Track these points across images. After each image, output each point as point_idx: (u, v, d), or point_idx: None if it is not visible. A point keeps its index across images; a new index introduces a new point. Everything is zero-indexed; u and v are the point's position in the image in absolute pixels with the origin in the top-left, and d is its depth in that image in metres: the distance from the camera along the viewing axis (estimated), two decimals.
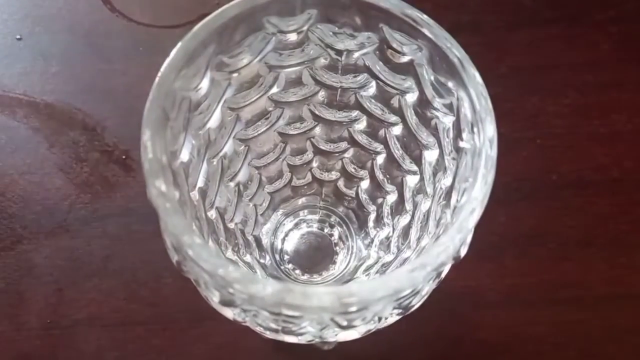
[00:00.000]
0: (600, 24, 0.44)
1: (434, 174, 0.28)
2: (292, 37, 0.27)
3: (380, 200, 0.33)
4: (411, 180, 0.30)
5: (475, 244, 0.25)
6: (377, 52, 0.27)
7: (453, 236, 0.21)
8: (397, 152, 0.30)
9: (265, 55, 0.27)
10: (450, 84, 0.25)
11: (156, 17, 0.44)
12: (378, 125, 0.30)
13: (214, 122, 0.28)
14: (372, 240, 0.33)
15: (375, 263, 0.32)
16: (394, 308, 0.24)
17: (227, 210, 0.31)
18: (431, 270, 0.21)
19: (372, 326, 0.25)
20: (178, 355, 0.35)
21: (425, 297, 0.25)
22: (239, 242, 0.32)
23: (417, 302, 0.25)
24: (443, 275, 0.25)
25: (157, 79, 0.23)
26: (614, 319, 0.36)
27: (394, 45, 0.26)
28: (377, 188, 0.33)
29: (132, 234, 0.38)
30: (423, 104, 0.28)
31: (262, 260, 0.33)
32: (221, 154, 0.29)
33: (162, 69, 0.23)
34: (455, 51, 0.24)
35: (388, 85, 0.28)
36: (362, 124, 0.31)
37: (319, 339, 0.25)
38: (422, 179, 0.29)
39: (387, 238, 0.32)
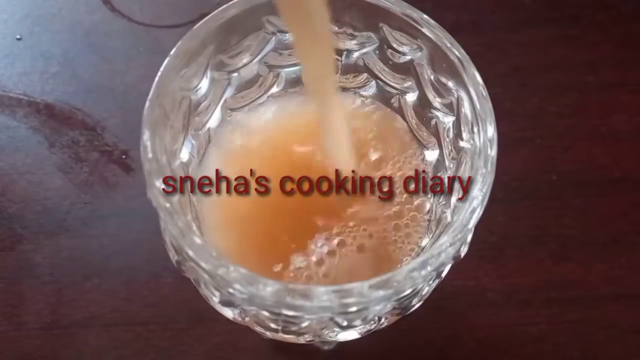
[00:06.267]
0: (600, 24, 0.44)
1: (434, 174, 0.28)
2: None
3: None
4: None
5: (475, 244, 0.25)
6: (377, 51, 0.27)
7: (453, 236, 0.21)
8: None
9: (265, 54, 0.27)
10: (450, 84, 0.25)
11: (156, 17, 0.44)
12: None
13: (214, 122, 0.28)
14: None
15: None
16: (394, 308, 0.24)
17: None
18: (431, 270, 0.21)
19: (372, 326, 0.25)
20: (178, 355, 0.35)
21: (426, 297, 0.25)
22: None
23: (417, 302, 0.25)
24: (443, 275, 0.25)
25: (157, 79, 0.23)
26: (614, 319, 0.36)
27: (394, 45, 0.26)
28: None
29: (132, 234, 0.38)
30: (423, 103, 0.28)
31: None
32: None
33: (162, 68, 0.23)
34: (456, 51, 0.24)
35: (388, 85, 0.28)
36: None
37: (319, 339, 0.25)
38: None
39: None
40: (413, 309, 0.25)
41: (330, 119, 0.25)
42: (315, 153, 0.28)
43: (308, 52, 0.23)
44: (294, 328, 0.24)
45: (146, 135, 0.22)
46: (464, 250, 0.24)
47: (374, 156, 0.31)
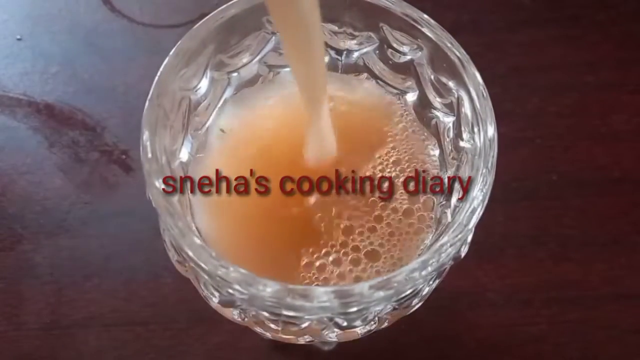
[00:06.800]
0: (600, 24, 0.44)
1: (434, 174, 0.28)
2: None
3: None
4: None
5: (475, 244, 0.25)
6: (377, 51, 0.27)
7: (453, 236, 0.21)
8: None
9: (265, 54, 0.27)
10: (450, 84, 0.25)
11: (156, 17, 0.44)
12: None
13: (213, 122, 0.28)
14: None
15: None
16: (394, 309, 0.24)
17: None
18: (431, 271, 0.21)
19: (372, 326, 0.25)
20: (178, 355, 0.35)
21: (426, 297, 0.25)
22: None
23: (417, 303, 0.25)
24: (443, 275, 0.25)
25: (156, 79, 0.23)
26: (614, 319, 0.36)
27: (394, 45, 0.26)
28: None
29: (131, 234, 0.38)
30: (423, 103, 0.28)
31: None
32: None
33: (162, 68, 0.23)
34: (456, 51, 0.24)
35: (388, 85, 0.28)
36: None
37: (319, 339, 0.25)
38: None
39: None
40: (413, 309, 0.25)
41: (318, 121, 0.25)
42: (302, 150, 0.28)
43: (296, 55, 0.23)
44: (294, 328, 0.24)
45: (146, 135, 0.22)
46: (464, 250, 0.24)
47: (375, 155, 0.31)
